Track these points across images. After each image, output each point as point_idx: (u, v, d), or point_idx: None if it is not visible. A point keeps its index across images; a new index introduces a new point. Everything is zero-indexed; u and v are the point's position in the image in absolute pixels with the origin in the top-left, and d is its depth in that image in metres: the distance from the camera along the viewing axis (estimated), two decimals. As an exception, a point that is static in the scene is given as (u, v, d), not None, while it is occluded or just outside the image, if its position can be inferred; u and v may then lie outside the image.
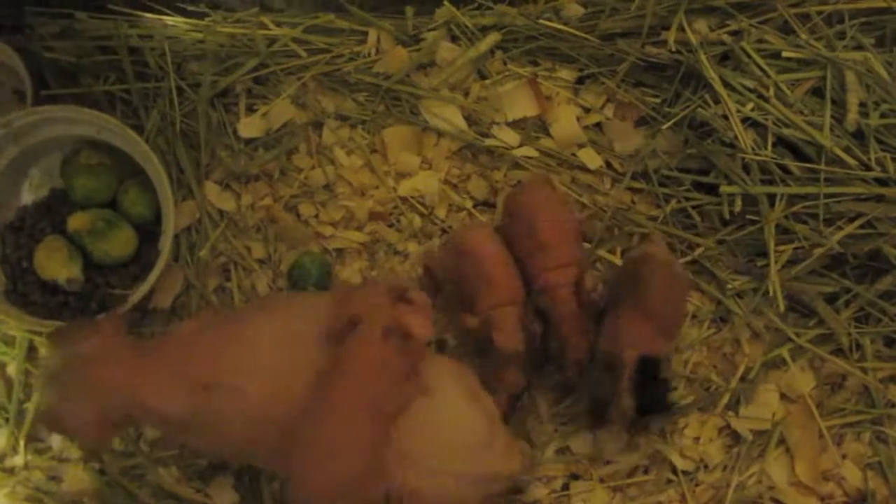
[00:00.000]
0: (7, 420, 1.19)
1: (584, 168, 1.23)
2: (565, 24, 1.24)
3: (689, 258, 1.19)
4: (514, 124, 1.24)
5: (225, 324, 0.99)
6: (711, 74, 1.15)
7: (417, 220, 1.22)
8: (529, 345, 1.07)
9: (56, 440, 1.19)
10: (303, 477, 0.90)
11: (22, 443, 1.19)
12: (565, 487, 1.15)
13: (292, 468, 0.90)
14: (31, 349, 1.22)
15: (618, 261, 1.20)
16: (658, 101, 1.24)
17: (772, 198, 1.13)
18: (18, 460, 1.18)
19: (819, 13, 1.21)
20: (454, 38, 1.26)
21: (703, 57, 1.16)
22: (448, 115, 1.24)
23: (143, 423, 0.99)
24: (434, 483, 0.93)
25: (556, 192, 1.18)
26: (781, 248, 1.13)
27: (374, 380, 0.92)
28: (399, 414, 0.93)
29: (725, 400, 1.16)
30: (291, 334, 0.96)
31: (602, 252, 1.20)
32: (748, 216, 1.15)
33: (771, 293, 1.12)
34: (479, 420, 0.97)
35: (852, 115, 1.12)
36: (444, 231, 1.22)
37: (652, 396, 1.05)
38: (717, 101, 1.15)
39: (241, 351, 0.95)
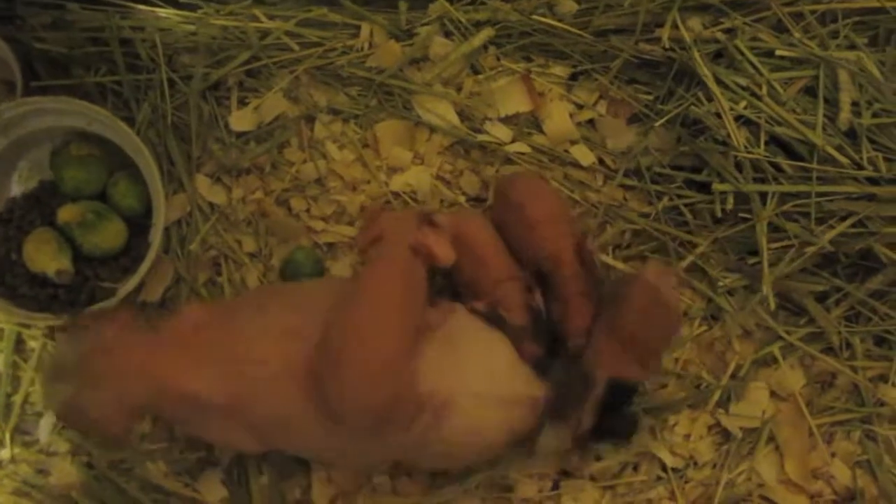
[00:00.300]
0: (-6, 413, 1.19)
1: (576, 165, 1.23)
2: (559, 20, 1.24)
3: (680, 256, 1.19)
4: (507, 120, 1.24)
5: (240, 298, 1.00)
6: (705, 72, 1.15)
7: (409, 216, 1.22)
8: (536, 319, 1.07)
9: (43, 433, 1.18)
10: (337, 365, 0.90)
11: (9, 436, 1.18)
12: (556, 486, 1.15)
13: (327, 361, 0.91)
14: (20, 342, 1.21)
15: (611, 260, 1.20)
16: (651, 98, 1.24)
17: (764, 196, 1.13)
18: (5, 453, 1.18)
19: (812, 12, 1.20)
20: (447, 34, 1.26)
21: (696, 54, 1.16)
22: (441, 111, 1.24)
23: (164, 411, 0.99)
24: (465, 402, 0.95)
25: (548, 184, 1.18)
26: (773, 245, 1.13)
27: (399, 280, 0.95)
28: (424, 326, 0.96)
29: (716, 397, 1.16)
30: (312, 299, 0.99)
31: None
32: (740, 214, 1.15)
33: (765, 292, 1.12)
34: (505, 345, 1.00)
35: (845, 114, 1.12)
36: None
37: (613, 424, 1.04)
38: (710, 99, 1.15)
39: (259, 317, 0.97)
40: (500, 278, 1.08)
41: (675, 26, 1.20)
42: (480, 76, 1.25)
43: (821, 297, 1.17)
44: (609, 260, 1.20)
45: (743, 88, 1.15)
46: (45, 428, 1.18)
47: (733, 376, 1.16)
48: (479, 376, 0.97)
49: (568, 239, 1.09)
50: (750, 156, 1.12)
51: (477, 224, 1.12)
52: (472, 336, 1.00)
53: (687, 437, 1.16)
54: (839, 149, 1.11)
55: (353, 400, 0.90)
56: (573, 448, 1.09)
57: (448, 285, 1.15)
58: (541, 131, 1.24)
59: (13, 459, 1.18)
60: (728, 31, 1.20)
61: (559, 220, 1.11)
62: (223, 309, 1.02)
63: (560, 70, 1.26)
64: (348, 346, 0.90)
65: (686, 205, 1.19)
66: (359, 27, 1.27)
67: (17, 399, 1.19)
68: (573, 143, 1.24)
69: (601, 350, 1.04)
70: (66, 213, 1.16)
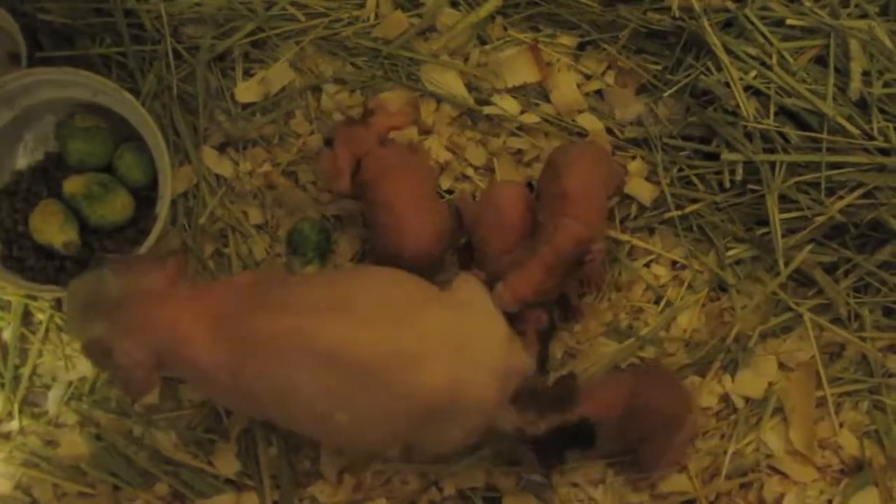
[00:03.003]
0: (2, 385, 1.19)
1: (584, 135, 1.22)
2: (567, -11, 1.23)
3: (688, 225, 1.19)
4: (515, 90, 1.23)
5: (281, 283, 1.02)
6: (714, 41, 1.14)
7: (416, 187, 1.21)
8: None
9: (52, 405, 1.18)
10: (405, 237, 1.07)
11: (17, 408, 1.18)
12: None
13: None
14: (27, 314, 1.21)
15: (617, 234, 1.19)
16: (660, 68, 1.23)
17: (773, 166, 1.12)
18: (14, 425, 1.18)
19: (823, -19, 1.19)
20: (454, 3, 1.25)
21: (706, 24, 1.15)
22: (448, 81, 1.23)
23: (179, 371, 1.02)
24: (468, 375, 0.97)
25: (602, 160, 1.16)
26: (782, 215, 1.12)
27: (401, 163, 1.12)
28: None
29: (717, 363, 1.15)
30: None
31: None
32: (749, 185, 1.14)
33: (782, 265, 1.11)
34: (504, 321, 1.01)
35: (855, 84, 1.11)
36: (442, 196, 1.22)
37: (553, 450, 1.04)
38: (719, 69, 1.14)
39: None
40: (510, 249, 1.08)
41: (684, -5, 1.19)
42: (487, 46, 1.24)
43: (830, 268, 1.16)
44: (616, 234, 1.19)
45: (753, 58, 1.14)
46: (53, 400, 1.18)
47: (741, 347, 1.15)
48: (484, 351, 0.98)
49: (583, 229, 1.05)
50: (759, 126, 1.11)
51: (513, 194, 1.13)
52: (482, 314, 1.01)
53: (695, 407, 1.16)
54: (849, 119, 1.11)
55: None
56: (510, 434, 1.06)
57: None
58: (548, 101, 1.23)
59: (22, 431, 1.18)
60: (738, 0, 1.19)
61: (590, 197, 1.08)
62: (271, 280, 1.02)
63: (568, 40, 1.25)
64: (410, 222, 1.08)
65: (695, 175, 1.18)
66: (365, -3, 1.26)
67: (26, 371, 1.19)
68: (581, 112, 1.23)
69: (603, 399, 1.05)
70: (71, 185, 1.16)
